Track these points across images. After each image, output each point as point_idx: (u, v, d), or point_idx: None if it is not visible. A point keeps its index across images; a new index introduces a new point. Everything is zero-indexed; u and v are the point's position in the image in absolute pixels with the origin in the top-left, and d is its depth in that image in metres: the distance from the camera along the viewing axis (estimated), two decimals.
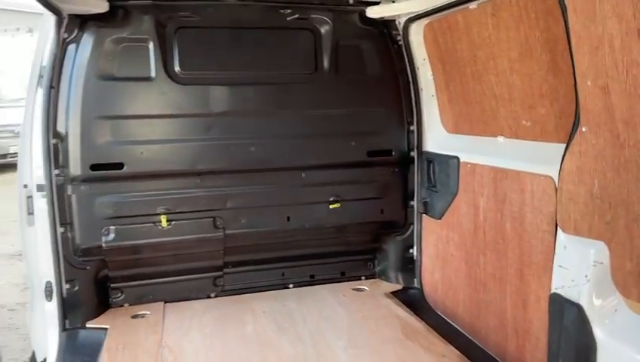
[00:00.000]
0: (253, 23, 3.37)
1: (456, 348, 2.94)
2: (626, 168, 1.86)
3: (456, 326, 3.30)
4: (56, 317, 3.15)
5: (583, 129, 2.02)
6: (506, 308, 2.82)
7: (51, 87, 3.01)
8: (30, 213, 3.13)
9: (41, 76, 3.05)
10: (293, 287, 3.77)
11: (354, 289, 3.75)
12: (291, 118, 3.47)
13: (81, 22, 3.05)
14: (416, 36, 3.45)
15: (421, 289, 3.76)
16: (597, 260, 2.00)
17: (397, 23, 3.52)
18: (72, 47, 3.05)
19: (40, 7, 2.81)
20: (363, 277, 3.93)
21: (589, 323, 2.01)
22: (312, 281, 3.83)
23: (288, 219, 3.53)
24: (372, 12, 3.47)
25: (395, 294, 3.68)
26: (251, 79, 3.39)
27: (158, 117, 3.23)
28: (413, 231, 3.77)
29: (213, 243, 3.43)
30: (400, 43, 3.54)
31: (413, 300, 3.68)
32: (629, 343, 1.89)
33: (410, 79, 3.58)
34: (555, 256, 2.24)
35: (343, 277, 3.90)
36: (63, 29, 2.99)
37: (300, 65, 3.48)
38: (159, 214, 3.28)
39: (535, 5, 2.36)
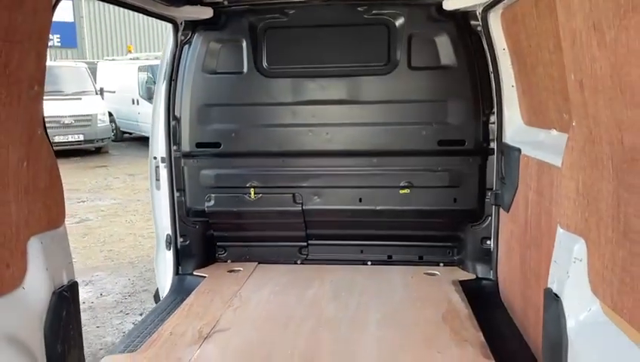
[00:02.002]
0: (332, 20, 3.72)
1: (499, 340, 2.95)
2: (596, 165, 1.80)
3: (514, 319, 3.27)
4: (172, 264, 3.99)
5: (573, 123, 1.98)
6: (540, 305, 2.76)
7: (171, 79, 3.79)
8: (157, 179, 4.01)
9: (165, 71, 3.85)
10: (371, 265, 4.06)
11: (425, 274, 3.88)
12: (365, 107, 3.75)
13: (194, 26, 3.76)
14: (495, 25, 3.40)
15: (496, 281, 3.73)
16: (577, 257, 1.96)
17: (477, 13, 3.52)
18: (186, 47, 3.78)
19: None
20: (441, 264, 4.01)
21: (564, 319, 1.99)
22: (389, 261, 4.07)
23: (360, 200, 3.83)
24: (449, 4, 3.53)
25: (463, 283, 3.71)
26: (330, 72, 3.75)
27: (248, 105, 3.81)
28: (490, 222, 3.75)
29: (293, 215, 3.91)
30: (480, 33, 3.53)
31: (482, 290, 3.70)
32: (594, 344, 1.85)
33: (491, 69, 3.54)
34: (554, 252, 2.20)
35: (420, 261, 4.05)
36: (179, 33, 3.74)
37: (375, 58, 3.72)
38: (248, 187, 3.87)
39: None
